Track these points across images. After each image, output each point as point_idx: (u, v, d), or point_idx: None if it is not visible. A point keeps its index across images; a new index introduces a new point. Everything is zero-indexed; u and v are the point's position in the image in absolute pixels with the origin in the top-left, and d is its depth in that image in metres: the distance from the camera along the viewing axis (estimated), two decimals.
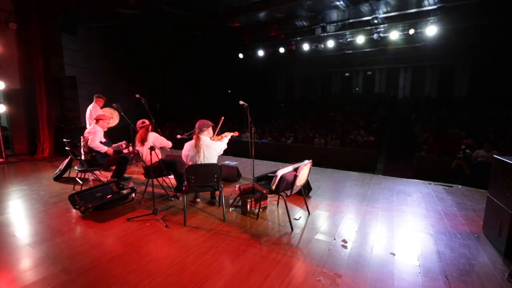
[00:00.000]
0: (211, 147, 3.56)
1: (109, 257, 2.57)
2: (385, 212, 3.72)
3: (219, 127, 4.18)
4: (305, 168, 3.28)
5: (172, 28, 11.60)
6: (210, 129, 3.69)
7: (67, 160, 5.16)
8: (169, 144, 4.26)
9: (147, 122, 4.19)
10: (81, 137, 4.56)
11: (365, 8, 9.66)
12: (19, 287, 2.19)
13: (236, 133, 4.07)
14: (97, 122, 4.52)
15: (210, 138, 3.66)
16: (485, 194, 3.16)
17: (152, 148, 3.26)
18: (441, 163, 7.12)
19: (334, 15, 10.48)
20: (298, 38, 12.42)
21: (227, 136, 3.89)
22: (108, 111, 5.87)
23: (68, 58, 8.79)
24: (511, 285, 2.23)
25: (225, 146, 3.83)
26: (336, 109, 16.33)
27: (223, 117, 4.33)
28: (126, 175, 5.10)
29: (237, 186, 3.90)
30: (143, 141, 3.94)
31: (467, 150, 6.36)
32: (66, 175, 5.21)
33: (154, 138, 4.05)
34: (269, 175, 3.57)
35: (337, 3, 9.39)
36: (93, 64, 10.65)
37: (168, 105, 15.38)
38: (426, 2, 8.92)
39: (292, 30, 11.92)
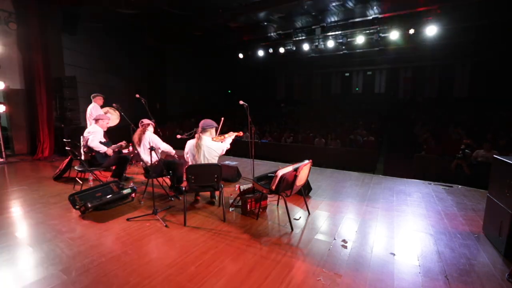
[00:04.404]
0: (212, 147, 3.57)
1: (109, 257, 2.58)
2: (385, 212, 3.72)
3: (219, 128, 4.17)
4: (305, 168, 3.28)
5: (172, 28, 11.59)
6: (213, 130, 3.69)
7: (67, 160, 5.16)
8: (161, 146, 4.15)
9: (145, 122, 4.16)
10: (81, 137, 4.56)
11: (365, 8, 9.65)
12: (19, 287, 2.19)
13: (240, 133, 4.07)
14: (97, 122, 4.52)
15: (212, 138, 3.66)
16: (485, 194, 3.16)
17: (152, 148, 3.26)
18: (441, 163, 7.12)
19: (334, 15, 10.48)
20: (298, 38, 12.42)
21: (231, 136, 3.87)
22: (107, 111, 5.87)
23: (68, 58, 8.79)
24: (511, 285, 2.23)
25: (228, 146, 3.82)
26: (336, 109, 16.33)
27: (223, 118, 4.33)
28: (126, 175, 5.10)
29: (237, 186, 3.90)
30: (138, 141, 3.99)
31: (466, 150, 6.37)
32: (66, 175, 5.21)
33: (150, 138, 4.03)
34: (269, 175, 3.58)
35: (337, 3, 9.38)
36: (93, 64, 10.64)
37: (168, 105, 15.38)
38: (426, 2, 8.91)
39: (292, 30, 11.91)
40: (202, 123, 3.60)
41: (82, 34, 9.66)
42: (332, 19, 10.62)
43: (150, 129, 4.21)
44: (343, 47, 12.04)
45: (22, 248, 2.78)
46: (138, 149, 3.99)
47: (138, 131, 4.12)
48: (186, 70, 16.43)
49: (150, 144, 3.80)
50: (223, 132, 4.22)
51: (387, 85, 18.33)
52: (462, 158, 6.18)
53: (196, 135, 3.58)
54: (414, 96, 17.37)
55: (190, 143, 3.61)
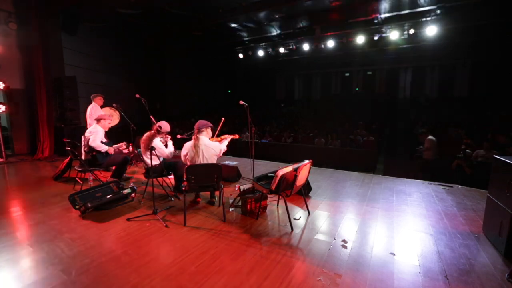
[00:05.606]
0: (210, 147, 3.57)
1: (109, 257, 2.58)
2: (385, 212, 3.72)
3: (219, 128, 4.17)
4: (305, 168, 3.28)
5: (172, 28, 11.59)
6: (209, 130, 3.69)
7: (67, 160, 5.16)
8: (165, 153, 3.98)
9: (163, 129, 3.93)
10: (82, 136, 4.56)
11: (364, 8, 9.66)
12: (19, 287, 2.19)
13: (237, 136, 4.07)
14: (98, 122, 4.52)
15: (209, 138, 3.66)
16: (485, 194, 3.16)
17: (152, 149, 3.26)
18: (441, 163, 7.11)
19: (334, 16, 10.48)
20: (299, 38, 12.42)
21: (227, 138, 3.90)
22: (107, 111, 5.87)
23: (68, 58, 8.79)
24: (511, 285, 2.23)
25: (225, 148, 3.83)
26: (336, 109, 16.32)
27: (223, 118, 4.34)
28: (126, 175, 5.10)
29: (237, 186, 3.90)
30: (145, 147, 3.80)
31: (467, 150, 6.37)
32: (66, 175, 5.21)
33: (156, 146, 3.83)
34: (269, 175, 3.58)
35: (337, 3, 9.39)
36: (93, 64, 10.63)
37: (168, 105, 15.37)
38: (426, 2, 8.92)
39: (292, 30, 11.91)
40: (197, 124, 3.60)
41: (82, 34, 9.66)
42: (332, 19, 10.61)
43: (158, 136, 3.97)
44: (343, 47, 12.05)
45: (22, 248, 2.78)
46: (143, 153, 3.91)
47: (149, 134, 3.89)
48: (186, 70, 16.42)
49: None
50: (221, 131, 4.23)
51: (387, 85, 18.33)
52: (463, 158, 6.17)
53: (193, 137, 3.58)
54: (414, 96, 17.36)
55: (188, 145, 3.61)
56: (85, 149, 4.43)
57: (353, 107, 16.62)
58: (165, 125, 4.00)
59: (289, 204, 3.65)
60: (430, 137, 6.78)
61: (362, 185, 4.92)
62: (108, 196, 3.72)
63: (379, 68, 18.01)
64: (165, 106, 14.96)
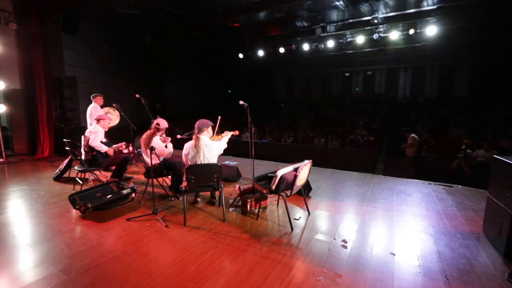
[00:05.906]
0: (211, 147, 3.56)
1: (109, 257, 2.57)
2: (385, 212, 3.72)
3: (217, 126, 4.17)
4: (305, 168, 3.28)
5: (172, 28, 11.60)
6: (210, 129, 3.68)
7: (67, 160, 5.16)
8: (164, 153, 4.01)
9: (161, 126, 3.97)
10: (82, 136, 4.56)
11: (365, 8, 9.67)
12: (19, 287, 2.19)
13: (237, 132, 4.07)
14: (98, 122, 4.52)
15: (210, 137, 3.66)
16: (485, 194, 3.16)
17: (152, 149, 3.26)
18: (441, 163, 7.12)
19: (334, 15, 10.49)
20: (298, 38, 12.43)
21: (227, 135, 3.89)
22: (108, 111, 5.87)
23: (68, 58, 8.80)
24: (511, 285, 2.23)
25: (226, 146, 3.82)
26: (336, 109, 16.32)
27: (220, 117, 4.34)
28: (126, 175, 5.10)
29: (237, 186, 3.90)
30: (145, 146, 3.83)
31: (468, 150, 6.37)
32: (66, 175, 5.21)
33: (155, 144, 3.86)
34: (269, 175, 3.57)
35: (337, 3, 9.41)
36: (93, 64, 10.64)
37: (168, 105, 15.39)
38: (425, 2, 8.93)
39: (292, 30, 11.93)
40: (198, 123, 3.59)
41: (82, 34, 9.67)
42: (332, 19, 10.63)
43: (158, 134, 4.01)
44: (343, 47, 12.06)
45: (22, 248, 2.78)
46: (143, 152, 3.93)
47: (149, 133, 3.93)
48: (186, 70, 16.44)
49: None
50: (221, 131, 4.22)
51: (387, 85, 18.34)
52: (463, 158, 6.18)
53: (194, 136, 3.57)
54: (414, 96, 17.37)
55: (189, 145, 3.60)
56: (85, 149, 4.43)
57: (353, 107, 16.63)
58: (163, 122, 4.04)
59: (289, 204, 3.65)
60: (412, 135, 7.43)
61: (362, 185, 4.92)
62: (108, 196, 3.71)
63: (379, 68, 18.02)
64: (165, 106, 14.97)
